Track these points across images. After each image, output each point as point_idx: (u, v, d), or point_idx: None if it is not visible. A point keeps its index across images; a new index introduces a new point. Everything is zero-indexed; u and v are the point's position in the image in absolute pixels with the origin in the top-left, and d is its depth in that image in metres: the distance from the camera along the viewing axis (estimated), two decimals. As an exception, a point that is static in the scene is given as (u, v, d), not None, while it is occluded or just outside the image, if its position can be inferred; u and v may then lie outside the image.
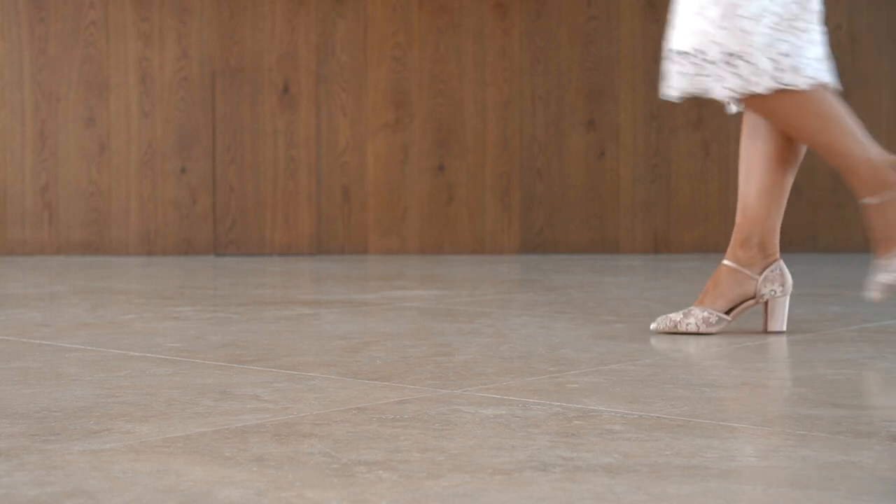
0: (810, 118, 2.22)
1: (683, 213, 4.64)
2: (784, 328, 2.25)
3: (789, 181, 2.30)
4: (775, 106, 2.21)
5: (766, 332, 2.25)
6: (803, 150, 2.31)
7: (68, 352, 2.00)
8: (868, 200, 2.22)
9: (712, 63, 2.18)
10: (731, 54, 2.17)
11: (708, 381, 1.70)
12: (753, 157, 2.30)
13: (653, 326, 2.25)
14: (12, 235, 4.56)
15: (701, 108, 4.59)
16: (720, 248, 4.56)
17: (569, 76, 4.64)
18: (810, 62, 2.21)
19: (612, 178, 4.65)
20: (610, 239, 4.66)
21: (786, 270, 2.27)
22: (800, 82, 2.18)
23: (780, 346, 2.09)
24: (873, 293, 2.21)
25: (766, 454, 1.24)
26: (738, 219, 2.31)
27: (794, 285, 3.24)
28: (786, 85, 2.17)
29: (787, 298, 2.27)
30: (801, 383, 1.68)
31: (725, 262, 2.28)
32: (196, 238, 4.60)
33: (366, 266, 4.12)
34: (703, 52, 2.18)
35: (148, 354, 1.97)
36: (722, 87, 2.18)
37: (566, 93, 4.64)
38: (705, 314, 2.23)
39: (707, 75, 2.19)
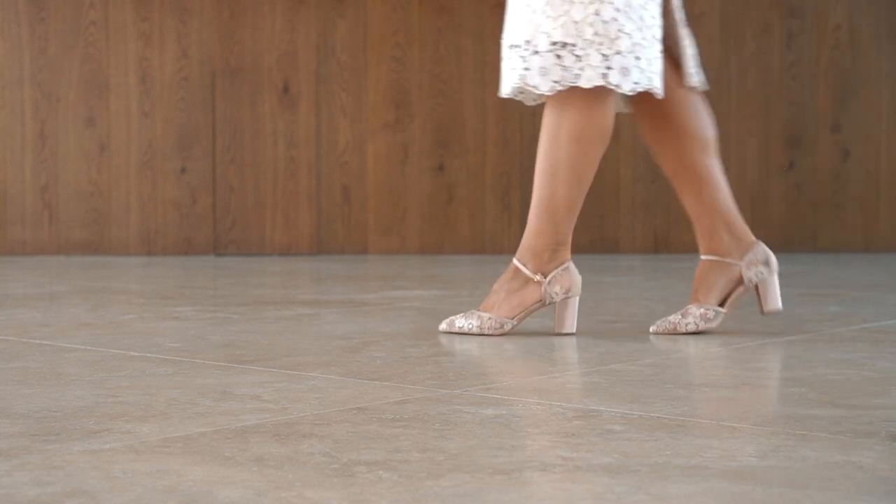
0: (587, 140, 2.15)
1: (683, 213, 4.64)
2: (780, 305, 2.26)
3: (715, 161, 2.25)
4: (576, 105, 2.14)
5: (763, 313, 2.25)
6: (709, 127, 2.25)
7: (68, 352, 2.00)
8: (527, 264, 2.20)
9: (538, 54, 2.10)
10: (561, 44, 2.09)
11: (708, 381, 1.70)
12: (669, 162, 2.26)
13: (652, 329, 2.25)
14: (12, 235, 4.56)
15: (701, 108, 4.59)
16: (720, 248, 4.57)
17: (569, 76, 4.64)
18: (643, 67, 2.12)
19: (612, 178, 4.65)
20: (610, 239, 4.66)
21: (767, 250, 2.26)
22: (625, 87, 2.11)
23: (779, 346, 2.09)
24: (443, 325, 2.24)
25: (766, 454, 1.24)
26: (690, 216, 2.29)
27: (794, 285, 3.24)
28: (610, 84, 2.10)
29: (776, 276, 2.26)
30: (801, 383, 1.68)
31: (704, 256, 2.27)
32: (196, 238, 4.60)
33: (366, 266, 4.12)
34: (531, 43, 2.10)
35: (148, 354, 1.97)
36: (548, 80, 2.09)
37: (566, 93, 4.65)
38: (702, 311, 2.23)
39: (528, 69, 2.11)
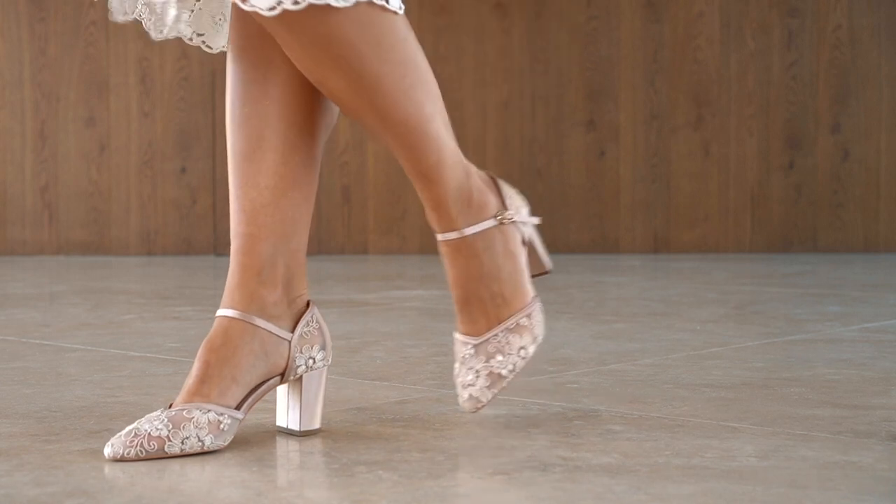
0: (385, 57, 1.28)
1: (683, 213, 4.64)
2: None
3: (317, 169, 1.39)
4: (324, 30, 1.22)
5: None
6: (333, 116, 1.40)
7: (68, 352, 2.00)
8: (452, 235, 1.40)
9: None
10: None
11: (708, 381, 1.70)
12: (267, 131, 1.33)
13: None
14: (12, 235, 4.56)
15: (701, 108, 4.59)
16: (720, 248, 4.57)
17: (569, 76, 4.64)
18: None
19: (612, 178, 4.65)
20: (610, 239, 4.66)
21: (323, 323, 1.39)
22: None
23: (779, 346, 2.09)
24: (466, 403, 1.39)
25: (766, 454, 1.24)
26: (239, 243, 1.34)
27: (794, 285, 3.24)
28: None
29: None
30: (801, 383, 1.68)
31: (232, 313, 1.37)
32: (196, 238, 4.60)
33: (366, 266, 4.12)
34: None
35: (148, 354, 1.97)
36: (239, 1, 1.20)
37: (566, 93, 4.64)
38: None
39: None
